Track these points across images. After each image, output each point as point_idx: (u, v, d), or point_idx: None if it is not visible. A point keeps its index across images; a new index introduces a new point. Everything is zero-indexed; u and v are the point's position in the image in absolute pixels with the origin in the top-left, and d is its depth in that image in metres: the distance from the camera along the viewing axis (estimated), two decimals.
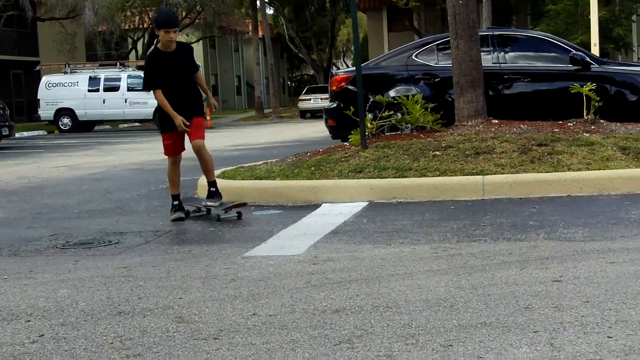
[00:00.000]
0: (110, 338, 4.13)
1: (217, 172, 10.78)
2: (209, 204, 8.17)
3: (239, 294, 4.91)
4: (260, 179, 9.55)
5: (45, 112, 34.31)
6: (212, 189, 8.12)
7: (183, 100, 8.09)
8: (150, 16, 46.39)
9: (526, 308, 4.31)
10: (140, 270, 5.74)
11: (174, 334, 4.15)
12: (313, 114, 42.90)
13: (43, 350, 3.98)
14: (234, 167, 11.14)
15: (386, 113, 11.16)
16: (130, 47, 51.18)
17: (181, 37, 50.46)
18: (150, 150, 18.90)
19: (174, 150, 8.21)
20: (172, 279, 5.40)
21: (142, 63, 41.72)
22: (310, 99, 44.17)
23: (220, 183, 9.67)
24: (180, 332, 4.18)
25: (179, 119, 7.88)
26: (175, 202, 8.17)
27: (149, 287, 5.19)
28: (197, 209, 8.36)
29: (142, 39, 49.37)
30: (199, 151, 7.91)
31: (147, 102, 32.58)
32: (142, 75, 37.09)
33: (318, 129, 14.07)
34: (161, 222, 7.88)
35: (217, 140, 22.16)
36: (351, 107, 11.06)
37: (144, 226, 7.72)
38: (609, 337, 3.79)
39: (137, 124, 37.73)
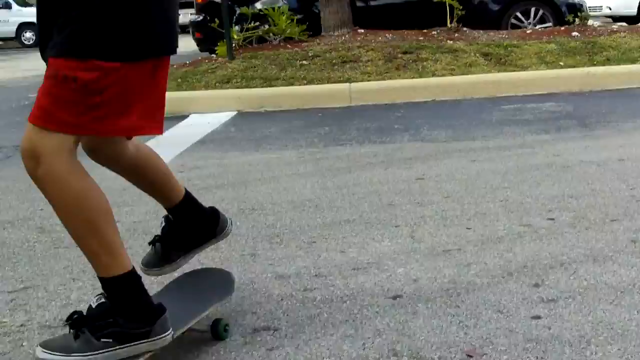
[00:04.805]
0: None
1: None
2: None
3: None
4: None
5: None
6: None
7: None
8: None
9: (389, 205, 4.39)
10: (0, 184, 5.55)
11: (35, 244, 4.05)
12: (183, 29, 42.06)
13: None
14: None
15: (252, 25, 11.02)
16: None
17: None
18: (12, 68, 18.21)
19: None
20: (34, 192, 5.20)
21: None
22: (179, 14, 43.30)
23: None
24: (42, 242, 4.08)
25: None
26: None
27: (10, 200, 5.04)
28: None
29: None
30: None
31: (8, 20, 31.24)
32: None
33: (188, 44, 13.87)
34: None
35: None
36: (217, 19, 10.87)
37: (5, 141, 7.45)
38: (467, 228, 3.90)
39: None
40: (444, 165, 5.31)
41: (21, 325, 2.96)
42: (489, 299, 2.97)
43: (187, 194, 3.00)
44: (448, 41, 10.22)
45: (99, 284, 3.30)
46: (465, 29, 11.13)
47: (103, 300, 2.49)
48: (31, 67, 18.14)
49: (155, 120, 2.55)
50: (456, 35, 10.71)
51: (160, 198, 3.02)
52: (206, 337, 2.75)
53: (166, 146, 6.67)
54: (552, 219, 3.95)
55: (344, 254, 3.59)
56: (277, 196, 4.73)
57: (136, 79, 2.42)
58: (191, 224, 3.01)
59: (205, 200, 4.66)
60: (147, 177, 2.93)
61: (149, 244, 3.06)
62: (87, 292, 3.26)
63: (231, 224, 3.13)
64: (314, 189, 4.84)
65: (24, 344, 2.78)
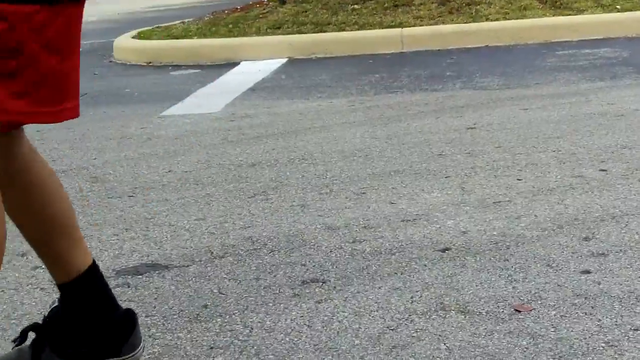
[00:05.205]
0: None
1: (132, 32, 10.52)
2: None
3: (154, 153, 4.87)
4: (177, 38, 9.37)
5: None
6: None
7: None
8: None
9: (439, 155, 4.37)
10: (55, 133, 5.63)
11: (88, 194, 4.11)
12: None
13: None
14: (151, 27, 10.87)
15: None
16: None
17: None
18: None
19: None
20: (87, 141, 5.33)
21: None
22: None
23: (136, 44, 9.47)
24: (95, 192, 4.14)
25: None
26: None
27: (63, 149, 5.12)
28: None
29: None
30: None
31: None
32: None
33: None
34: None
35: (128, 4, 21.55)
36: None
37: None
38: (518, 179, 3.87)
39: None
40: (496, 113, 5.26)
41: None
42: (539, 252, 2.96)
43: (94, 269, 2.08)
44: None
45: (152, 234, 3.37)
46: None
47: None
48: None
49: (78, 93, 1.85)
50: None
51: (52, 256, 2.03)
52: (254, 289, 2.78)
53: (217, 94, 6.72)
54: (605, 170, 3.90)
55: (394, 205, 3.59)
56: (327, 146, 4.74)
57: (70, 29, 1.71)
58: (86, 321, 2.05)
59: (256, 150, 4.72)
60: (42, 208, 1.97)
61: (13, 341, 2.14)
62: (139, 243, 3.32)
63: (143, 349, 2.21)
64: (364, 139, 4.83)
65: None
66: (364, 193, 3.80)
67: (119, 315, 2.11)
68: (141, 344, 2.18)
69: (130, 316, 2.14)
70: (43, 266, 3.08)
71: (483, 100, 5.71)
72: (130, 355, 2.13)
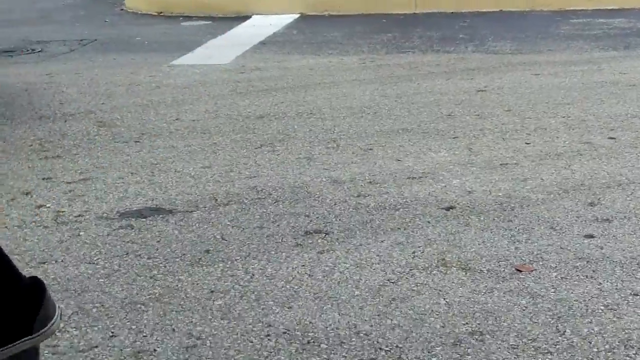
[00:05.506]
0: (29, 141, 4.07)
1: None
2: None
3: (162, 100, 4.86)
4: None
5: None
6: None
7: None
8: None
9: (448, 115, 4.35)
10: (64, 77, 5.62)
11: (95, 137, 4.11)
12: None
13: None
14: None
15: None
16: None
17: None
18: None
19: None
20: (95, 86, 5.31)
21: None
22: None
23: None
24: (102, 136, 4.13)
25: None
26: None
27: (72, 93, 5.10)
28: None
29: None
30: None
31: None
32: None
33: None
34: (86, 32, 7.67)
35: None
36: None
37: (69, 35, 7.51)
38: (526, 143, 3.85)
39: None
40: (507, 78, 5.23)
41: (79, 215, 3.03)
42: (543, 215, 2.95)
43: None
44: None
45: (157, 179, 3.37)
46: None
47: None
48: None
49: None
50: None
51: None
52: (257, 237, 2.78)
53: (229, 46, 6.69)
54: (613, 138, 3.88)
55: (400, 163, 3.58)
56: (336, 101, 4.72)
57: None
58: None
59: (264, 103, 4.70)
60: None
61: None
62: (144, 187, 3.31)
63: (60, 317, 1.91)
64: (373, 96, 4.81)
65: (80, 233, 2.85)
66: (370, 149, 3.79)
67: (23, 286, 1.83)
68: (56, 315, 1.89)
69: (37, 286, 1.86)
70: (47, 205, 3.10)
71: (495, 64, 5.67)
72: (44, 331, 1.85)
